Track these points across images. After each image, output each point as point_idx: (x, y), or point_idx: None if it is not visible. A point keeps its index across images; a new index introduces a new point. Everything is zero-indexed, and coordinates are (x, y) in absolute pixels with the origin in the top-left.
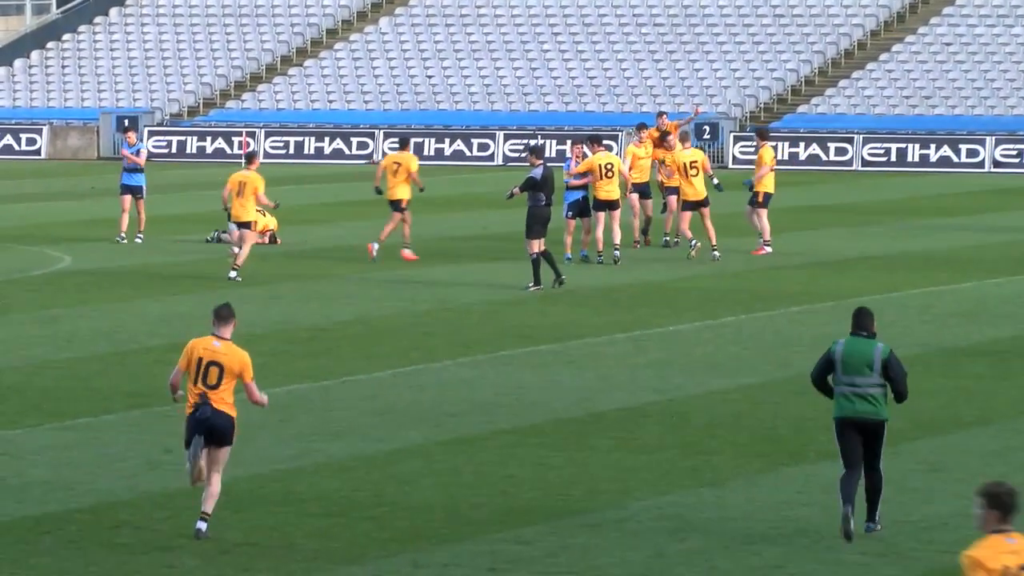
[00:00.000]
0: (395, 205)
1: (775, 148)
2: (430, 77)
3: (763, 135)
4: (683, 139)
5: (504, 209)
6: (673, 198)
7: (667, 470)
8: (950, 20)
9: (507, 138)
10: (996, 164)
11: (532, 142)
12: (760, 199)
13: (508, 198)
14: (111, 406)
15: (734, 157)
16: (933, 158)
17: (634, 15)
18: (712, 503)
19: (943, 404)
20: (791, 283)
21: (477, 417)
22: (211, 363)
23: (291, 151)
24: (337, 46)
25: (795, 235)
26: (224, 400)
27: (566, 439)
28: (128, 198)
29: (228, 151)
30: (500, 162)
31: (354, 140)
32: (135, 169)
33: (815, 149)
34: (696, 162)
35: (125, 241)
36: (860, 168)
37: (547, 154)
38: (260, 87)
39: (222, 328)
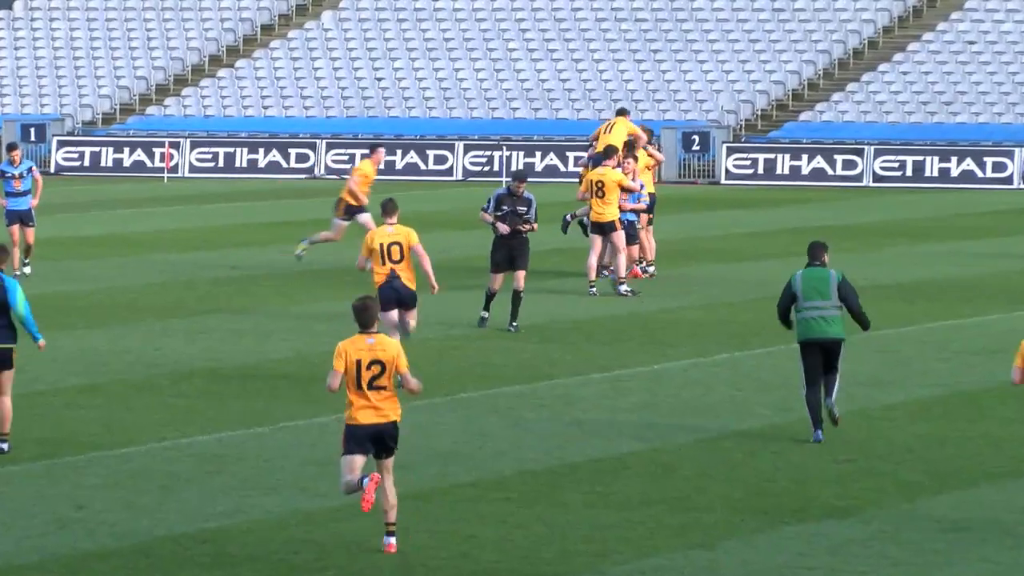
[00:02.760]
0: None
1: (775, 161)
2: (379, 80)
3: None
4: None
5: (465, 231)
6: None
7: (651, 529)
8: (973, 15)
9: (468, 149)
10: None
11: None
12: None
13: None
14: (16, 456)
15: (727, 171)
16: (954, 172)
17: (613, 9)
18: (703, 567)
19: (966, 454)
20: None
21: (433, 468)
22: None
23: (220, 164)
24: (273, 44)
25: (796, 260)
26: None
27: (535, 493)
28: (16, 228)
29: (148, 164)
30: (460, 177)
31: (293, 152)
32: (20, 193)
33: (819, 162)
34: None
35: (29, 271)
36: (871, 184)
37: (515, 167)
38: (185, 91)
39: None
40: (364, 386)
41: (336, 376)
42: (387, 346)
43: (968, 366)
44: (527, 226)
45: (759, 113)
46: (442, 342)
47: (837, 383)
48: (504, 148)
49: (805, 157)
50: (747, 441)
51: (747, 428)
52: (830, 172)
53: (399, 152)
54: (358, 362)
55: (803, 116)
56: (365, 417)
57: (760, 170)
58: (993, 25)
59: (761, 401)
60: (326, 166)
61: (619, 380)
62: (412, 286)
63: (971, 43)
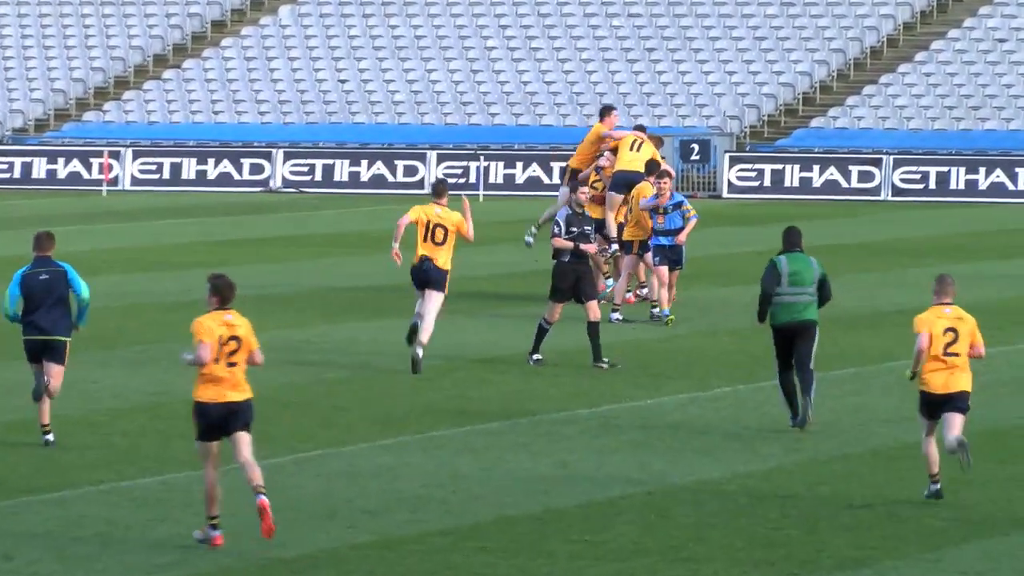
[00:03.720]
0: None
1: (783, 172)
2: (343, 82)
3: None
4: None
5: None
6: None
7: None
8: (1004, 9)
9: (441, 159)
10: None
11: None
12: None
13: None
14: None
15: (730, 184)
16: (983, 185)
17: (603, 3)
18: None
19: (995, 497)
20: None
21: (402, 515)
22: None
23: (166, 176)
24: (225, 42)
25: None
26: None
27: (516, 543)
28: None
29: (85, 176)
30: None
31: (246, 162)
32: None
33: (833, 173)
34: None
35: None
36: (890, 197)
37: (493, 180)
38: (127, 94)
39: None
40: (222, 362)
41: (207, 348)
42: (242, 322)
43: (997, 400)
44: (593, 246)
45: (765, 119)
46: (410, 374)
47: (814, 383)
48: (482, 158)
49: (817, 168)
50: (751, 485)
51: (752, 470)
52: (844, 185)
53: (364, 162)
54: (219, 338)
55: (814, 122)
56: (218, 394)
57: (766, 182)
58: None
59: (767, 440)
60: (283, 178)
61: (609, 416)
62: (446, 267)
63: (1001, 40)
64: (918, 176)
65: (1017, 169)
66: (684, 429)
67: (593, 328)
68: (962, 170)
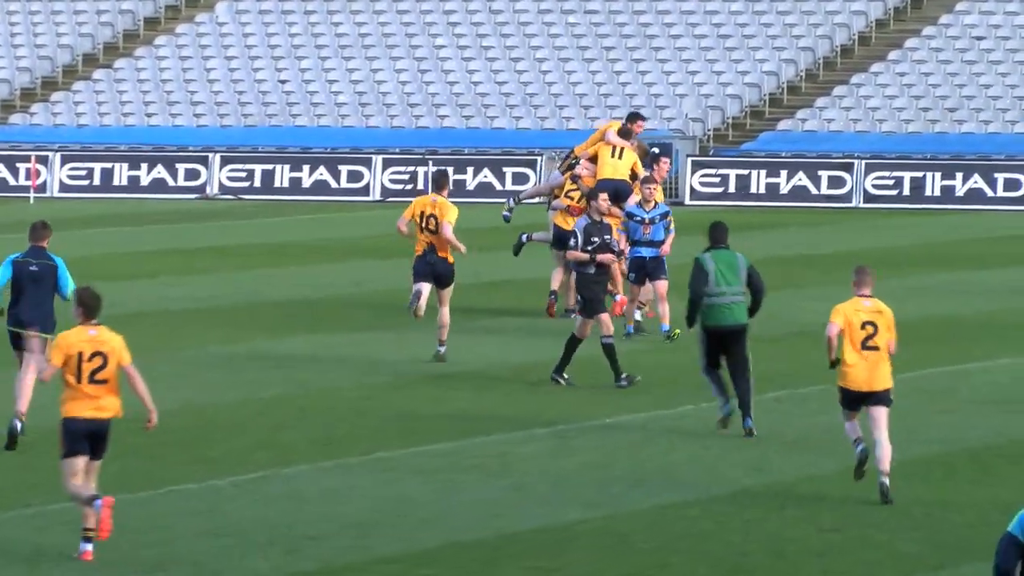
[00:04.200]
0: None
1: (748, 178)
2: (283, 82)
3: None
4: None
5: (383, 260)
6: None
7: None
8: (982, 5)
9: (387, 164)
10: None
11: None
12: None
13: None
14: None
15: (692, 190)
16: (960, 191)
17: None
18: None
19: (971, 521)
20: (770, 360)
21: (347, 540)
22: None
23: (96, 182)
24: (159, 40)
25: (775, 296)
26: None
27: (467, 569)
28: None
29: (11, 182)
30: (377, 196)
31: (181, 168)
32: None
33: (802, 179)
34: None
35: None
36: (862, 205)
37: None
38: (55, 96)
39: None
40: (84, 379)
41: (51, 370)
42: (109, 338)
43: (975, 419)
44: (611, 256)
45: (730, 121)
46: (357, 391)
47: (752, 394)
48: (430, 163)
49: (784, 173)
50: (716, 508)
51: (716, 493)
52: (814, 191)
53: (306, 168)
54: (80, 354)
55: (782, 125)
56: (83, 411)
57: (731, 188)
58: (1005, 18)
59: (732, 461)
60: (220, 184)
61: (566, 436)
62: (450, 259)
63: (979, 38)
64: (891, 182)
65: (996, 174)
66: (645, 449)
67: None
68: (938, 175)
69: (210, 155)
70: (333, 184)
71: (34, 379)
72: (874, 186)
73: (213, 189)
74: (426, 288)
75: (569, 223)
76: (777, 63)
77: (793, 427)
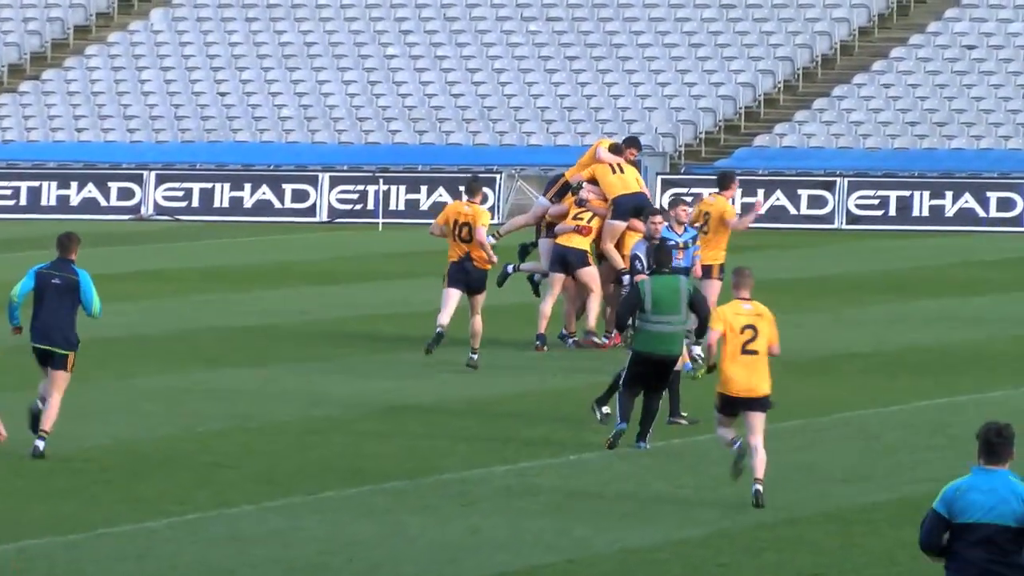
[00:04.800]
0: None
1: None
2: (223, 95)
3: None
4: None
5: (331, 285)
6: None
7: None
8: (973, 12)
9: (335, 183)
10: None
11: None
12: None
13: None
14: None
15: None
16: (949, 211)
17: (518, 5)
18: None
19: None
20: None
21: None
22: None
23: (23, 201)
24: (90, 50)
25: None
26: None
27: None
28: None
29: None
30: (324, 217)
31: (114, 186)
32: None
33: (780, 198)
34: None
35: None
36: (845, 225)
37: (394, 206)
38: None
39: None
40: None
41: None
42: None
43: (966, 456)
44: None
45: (703, 137)
46: (303, 425)
47: (655, 419)
48: (381, 181)
49: (761, 192)
50: (687, 552)
51: (687, 536)
52: (793, 211)
53: (248, 187)
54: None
55: (758, 140)
56: None
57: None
58: (998, 25)
59: (705, 501)
60: (156, 204)
61: (526, 474)
62: (486, 267)
63: (970, 48)
64: (876, 201)
65: (988, 193)
66: (611, 489)
67: (672, 378)
68: (926, 194)
69: (145, 173)
70: (277, 204)
71: (59, 400)
72: (857, 206)
73: (148, 209)
74: (455, 296)
75: (582, 243)
76: (753, 74)
77: (772, 465)
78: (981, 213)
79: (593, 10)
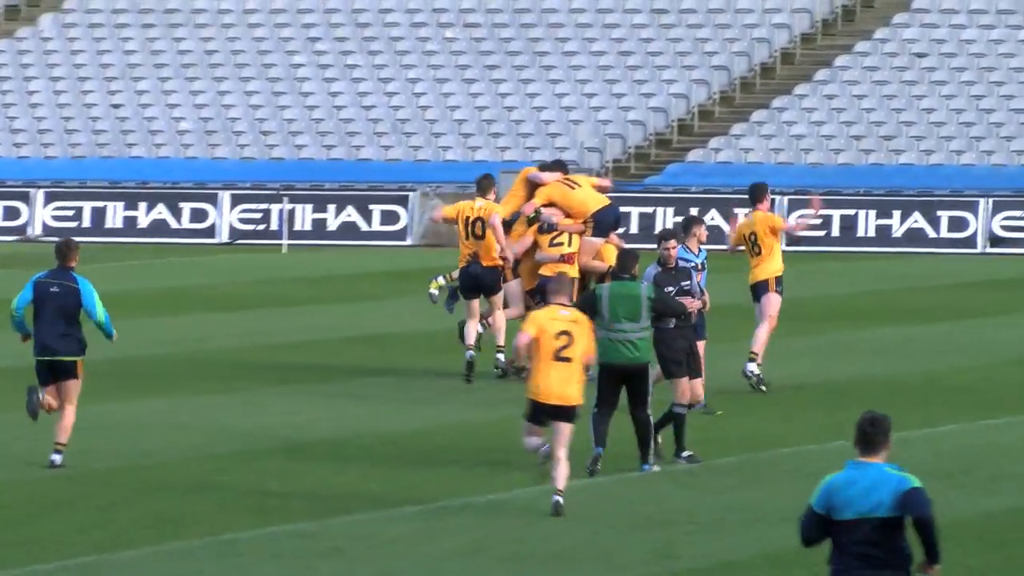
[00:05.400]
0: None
1: (653, 216)
2: (116, 107)
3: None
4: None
5: (232, 312)
6: None
7: None
8: (924, 17)
9: (236, 201)
10: (995, 241)
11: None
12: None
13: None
14: None
15: None
16: (897, 231)
17: (434, 10)
18: None
19: None
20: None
21: None
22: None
23: None
24: None
25: None
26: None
27: None
28: None
29: None
30: (225, 238)
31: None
32: None
33: (715, 218)
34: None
35: None
36: (785, 247)
37: (300, 226)
38: None
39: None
40: None
41: None
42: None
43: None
44: (696, 302)
45: (632, 152)
46: (202, 463)
47: (652, 432)
48: (285, 200)
49: (695, 211)
50: None
51: None
52: (728, 231)
53: (143, 205)
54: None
55: (692, 155)
56: None
57: (634, 228)
58: (950, 31)
59: (633, 545)
60: (44, 224)
61: (441, 515)
62: (496, 264)
63: (920, 55)
64: (819, 221)
65: (939, 212)
66: (529, 531)
67: (676, 417)
68: (872, 214)
69: (32, 191)
70: (173, 224)
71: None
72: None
73: (35, 230)
74: (475, 308)
75: (572, 271)
76: (687, 84)
77: (707, 504)
78: (931, 234)
79: (514, 16)
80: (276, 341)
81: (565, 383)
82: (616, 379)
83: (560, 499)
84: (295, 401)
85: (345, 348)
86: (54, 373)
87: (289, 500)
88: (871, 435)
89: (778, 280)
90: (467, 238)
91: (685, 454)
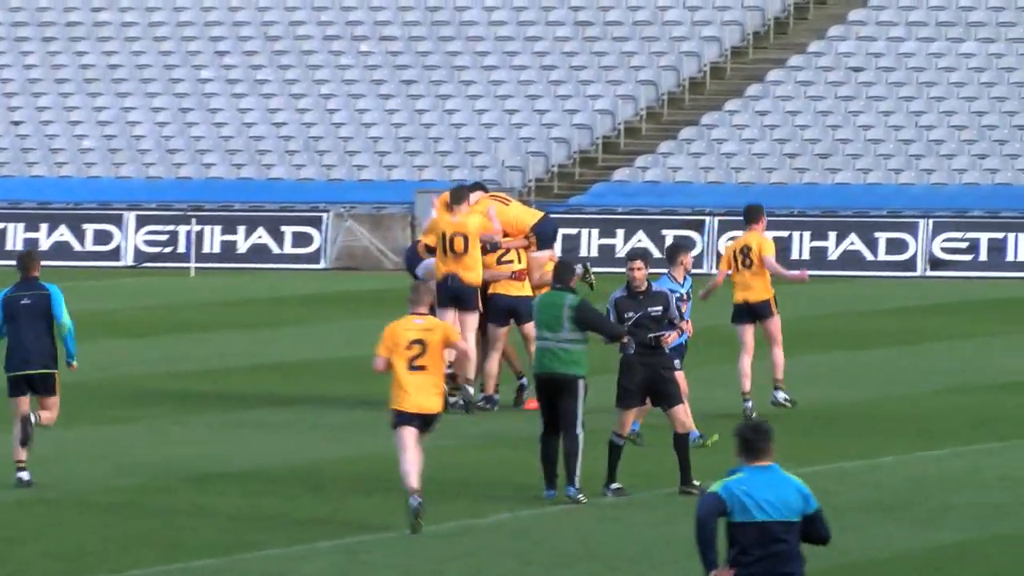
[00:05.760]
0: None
1: (577, 238)
2: (16, 124)
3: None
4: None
5: (138, 339)
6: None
7: None
8: (860, 30)
9: (142, 222)
10: (935, 264)
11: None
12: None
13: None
14: None
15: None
16: (833, 254)
17: (347, 23)
18: None
19: None
20: (604, 460)
21: None
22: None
23: None
24: None
25: (609, 378)
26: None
27: None
28: None
29: None
30: (130, 261)
31: None
32: None
33: (642, 239)
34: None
35: None
36: (715, 270)
37: (208, 249)
38: None
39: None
40: None
41: None
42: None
43: (851, 529)
44: (671, 334)
45: (555, 171)
46: (106, 496)
47: (578, 457)
48: (193, 221)
49: (621, 233)
50: None
51: None
52: (657, 253)
53: (44, 227)
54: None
55: (618, 174)
56: None
57: (556, 250)
58: (888, 44)
59: None
60: None
61: (357, 551)
62: (476, 281)
63: (856, 70)
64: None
65: (877, 234)
66: (453, 568)
67: (680, 442)
68: (807, 235)
69: None
70: (76, 246)
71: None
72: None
73: None
74: (449, 316)
75: (524, 289)
76: (612, 99)
77: (633, 539)
78: (869, 256)
79: (432, 29)
80: (184, 368)
81: (420, 391)
82: (544, 391)
83: (415, 501)
84: (204, 431)
85: (256, 376)
86: (33, 388)
87: (197, 535)
88: (757, 441)
89: (775, 301)
90: (445, 255)
91: (614, 486)
